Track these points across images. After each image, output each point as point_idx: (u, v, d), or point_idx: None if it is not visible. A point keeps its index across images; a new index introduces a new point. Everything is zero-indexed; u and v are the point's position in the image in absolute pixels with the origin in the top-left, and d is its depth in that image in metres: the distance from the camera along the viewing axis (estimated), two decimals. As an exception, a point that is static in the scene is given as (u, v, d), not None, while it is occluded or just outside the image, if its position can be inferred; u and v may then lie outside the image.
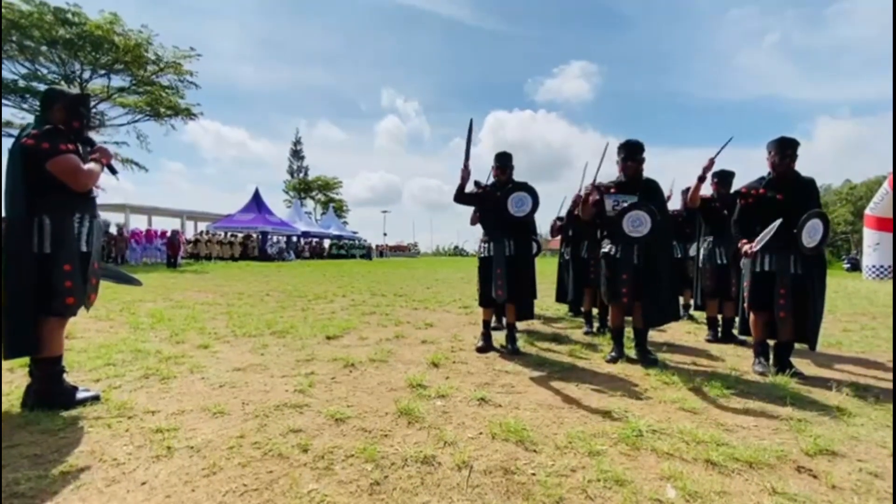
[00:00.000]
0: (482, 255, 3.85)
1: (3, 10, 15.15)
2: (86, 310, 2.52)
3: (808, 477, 1.74)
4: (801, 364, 3.38)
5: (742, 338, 4.25)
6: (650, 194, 3.49)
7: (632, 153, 3.50)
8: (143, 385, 2.72)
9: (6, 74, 16.75)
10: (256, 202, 28.82)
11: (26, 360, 2.34)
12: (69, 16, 16.41)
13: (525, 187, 3.70)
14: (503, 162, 3.84)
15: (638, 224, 3.35)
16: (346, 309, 6.25)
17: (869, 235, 17.12)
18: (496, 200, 3.72)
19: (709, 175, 3.77)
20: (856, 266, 21.89)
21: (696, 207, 4.11)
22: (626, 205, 3.40)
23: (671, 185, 5.25)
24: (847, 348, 4.18)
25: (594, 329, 4.80)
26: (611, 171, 3.73)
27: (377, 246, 45.79)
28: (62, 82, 17.08)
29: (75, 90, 2.62)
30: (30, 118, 16.99)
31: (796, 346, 3.33)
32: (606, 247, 3.61)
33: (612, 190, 3.54)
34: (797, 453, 1.93)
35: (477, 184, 3.96)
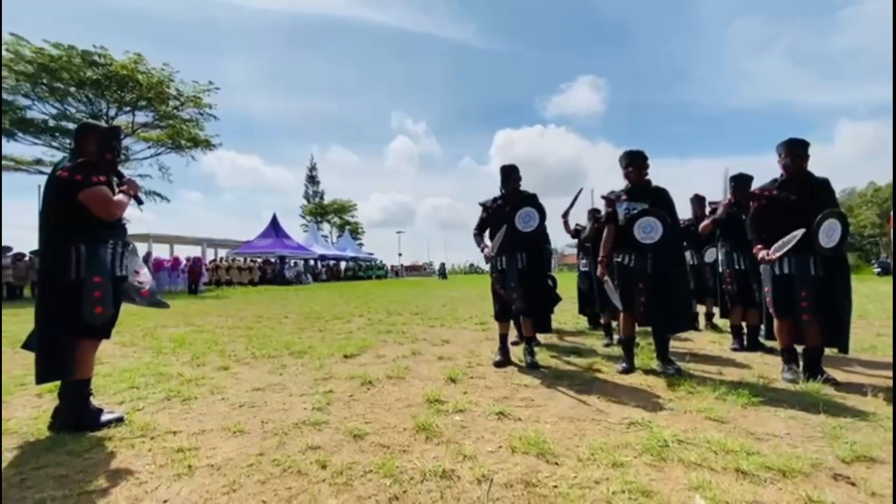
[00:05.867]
0: (496, 270, 3.85)
1: (33, 55, 16.05)
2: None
3: (846, 484, 1.66)
4: (834, 370, 3.25)
5: (769, 345, 4.12)
6: (659, 202, 3.46)
7: (632, 160, 3.52)
8: (165, 406, 2.76)
9: (37, 115, 17.64)
10: (274, 227, 29.35)
11: (56, 384, 2.40)
12: (96, 58, 17.26)
13: (531, 203, 3.71)
14: (509, 174, 3.86)
15: (649, 230, 3.31)
16: (363, 328, 6.27)
17: (893, 236, 16.57)
18: (505, 215, 3.73)
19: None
20: (886, 270, 21.12)
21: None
22: (635, 211, 3.38)
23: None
24: (882, 353, 4.01)
25: (614, 341, 4.71)
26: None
27: (392, 266, 46.09)
28: (89, 120, 17.86)
29: (105, 125, 2.77)
30: (59, 156, 17.80)
31: (828, 351, 3.21)
32: (619, 256, 3.57)
33: (624, 197, 3.53)
34: (833, 461, 1.85)
35: (483, 206, 3.98)
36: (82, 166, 2.33)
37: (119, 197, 2.45)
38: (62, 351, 2.30)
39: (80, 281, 2.29)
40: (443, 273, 39.87)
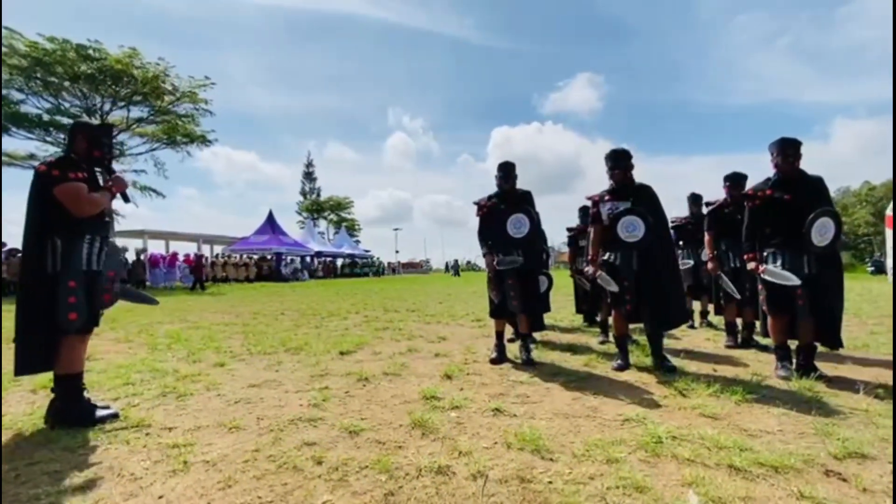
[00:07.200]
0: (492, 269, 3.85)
1: (28, 49, 15.90)
2: (103, 308, 2.50)
3: (838, 480, 1.68)
4: (827, 367, 3.28)
5: (764, 342, 4.15)
6: (643, 199, 3.48)
7: (616, 161, 3.52)
8: (160, 402, 2.75)
9: (31, 109, 17.48)
10: (270, 224, 29.25)
11: (50, 379, 2.39)
12: (91, 52, 17.07)
13: (523, 208, 3.70)
14: (506, 171, 3.86)
15: (632, 229, 3.33)
16: (360, 325, 6.27)
17: (891, 237, 16.68)
18: (502, 214, 3.74)
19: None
20: (880, 269, 21.27)
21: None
22: (618, 210, 3.41)
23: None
24: (874, 351, 4.05)
25: (610, 338, 4.73)
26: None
27: (389, 263, 46.12)
28: (84, 115, 17.72)
29: (97, 122, 2.74)
30: (52, 150, 17.67)
31: (822, 349, 3.24)
32: (606, 254, 3.60)
33: (607, 198, 3.55)
34: (825, 457, 1.86)
35: (478, 204, 3.98)
36: (61, 162, 2.33)
37: (95, 195, 2.39)
38: (40, 344, 2.29)
39: (55, 276, 2.27)
40: (455, 270, 39.35)
